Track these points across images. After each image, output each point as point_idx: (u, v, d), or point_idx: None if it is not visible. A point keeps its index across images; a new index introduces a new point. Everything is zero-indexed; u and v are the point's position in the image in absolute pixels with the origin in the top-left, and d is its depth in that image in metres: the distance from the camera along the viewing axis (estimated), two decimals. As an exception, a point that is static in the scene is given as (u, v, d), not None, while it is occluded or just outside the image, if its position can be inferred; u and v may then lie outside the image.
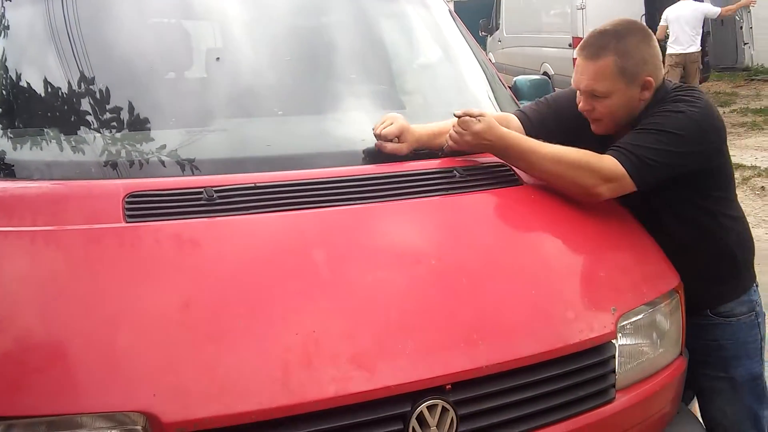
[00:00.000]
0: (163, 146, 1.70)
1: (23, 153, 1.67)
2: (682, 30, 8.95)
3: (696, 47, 9.02)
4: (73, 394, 1.20)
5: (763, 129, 8.86)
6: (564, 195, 1.90)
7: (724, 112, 10.11)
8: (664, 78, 1.90)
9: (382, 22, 2.65)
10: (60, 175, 1.60)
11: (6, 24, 1.88)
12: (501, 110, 2.35)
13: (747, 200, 6.33)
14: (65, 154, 1.68)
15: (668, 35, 9.10)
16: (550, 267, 1.67)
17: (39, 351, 1.25)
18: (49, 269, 1.36)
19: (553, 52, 10.82)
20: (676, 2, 9.19)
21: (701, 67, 9.29)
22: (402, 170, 1.82)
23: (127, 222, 1.45)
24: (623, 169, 1.75)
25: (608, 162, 1.77)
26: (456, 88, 2.56)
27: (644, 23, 8.71)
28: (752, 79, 11.84)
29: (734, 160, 7.12)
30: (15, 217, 1.45)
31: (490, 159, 1.93)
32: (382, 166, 1.83)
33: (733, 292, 1.92)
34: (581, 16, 9.84)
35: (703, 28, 9.50)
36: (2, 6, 1.90)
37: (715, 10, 9.02)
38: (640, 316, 1.66)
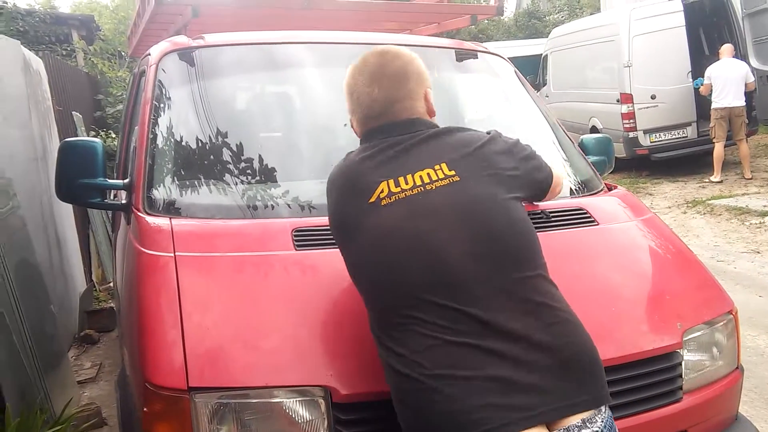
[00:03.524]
0: (313, 193, 2.15)
1: (210, 198, 2.15)
2: (726, 86, 9.31)
3: (740, 102, 9.35)
4: (275, 373, 1.62)
5: (810, 181, 9.02)
6: (634, 232, 2.28)
7: (772, 165, 10.30)
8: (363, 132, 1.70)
9: (459, 85, 3.10)
10: (241, 216, 2.06)
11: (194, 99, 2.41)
12: (571, 163, 2.75)
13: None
14: (244, 200, 2.15)
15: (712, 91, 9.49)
16: (626, 290, 2.04)
17: (247, 342, 1.67)
18: (249, 283, 1.80)
19: (601, 107, 11.21)
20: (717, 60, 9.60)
21: (747, 121, 9.58)
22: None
23: (297, 249, 1.89)
24: None
25: None
26: (543, 146, 2.94)
27: (690, 79, 9.07)
28: (801, 132, 12.01)
29: (781, 212, 7.36)
30: (216, 246, 1.90)
31: (568, 204, 2.32)
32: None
33: None
34: (628, 73, 10.25)
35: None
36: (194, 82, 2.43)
37: (751, 78, 9.45)
38: (700, 332, 2.01)
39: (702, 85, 9.73)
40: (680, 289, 2.11)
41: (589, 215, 2.26)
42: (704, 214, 8.14)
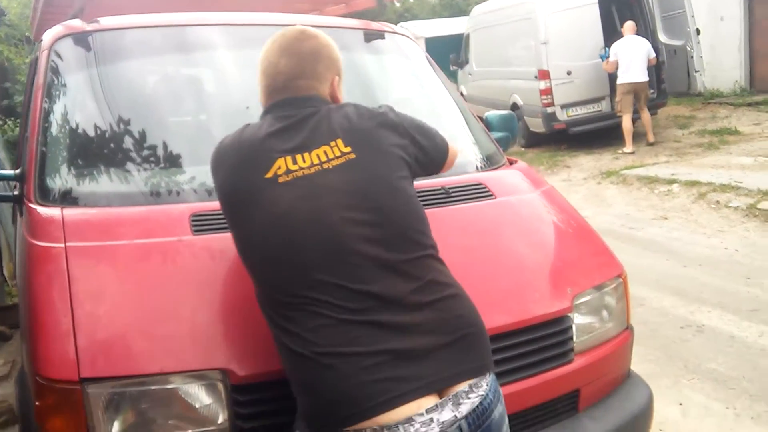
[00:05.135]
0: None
1: (104, 186, 2.10)
2: (632, 62, 9.76)
3: (645, 77, 9.84)
4: (171, 358, 1.62)
5: (718, 148, 9.52)
6: (529, 204, 2.38)
7: (683, 134, 10.81)
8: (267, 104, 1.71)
9: (368, 65, 3.11)
10: (138, 202, 2.02)
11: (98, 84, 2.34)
12: (476, 140, 2.83)
13: (704, 213, 6.90)
14: (140, 186, 2.11)
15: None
16: (520, 260, 2.13)
17: (142, 329, 1.66)
18: (144, 269, 1.78)
19: (521, 84, 11.47)
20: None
21: (649, 94, 10.09)
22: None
23: (194, 234, 1.88)
24: None
25: None
26: (438, 123, 3.01)
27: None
28: (709, 103, 12.64)
29: (691, 177, 7.79)
30: (110, 234, 1.86)
31: (467, 179, 2.39)
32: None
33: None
34: (545, 50, 10.51)
35: (658, 57, 10.28)
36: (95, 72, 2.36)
37: (653, 54, 9.98)
38: (590, 296, 2.12)
39: (607, 58, 10.13)
40: (572, 257, 2.22)
41: (487, 189, 2.34)
42: (617, 184, 8.49)
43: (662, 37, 10.68)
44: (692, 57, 10.24)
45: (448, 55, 15.75)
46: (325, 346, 1.40)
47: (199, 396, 1.63)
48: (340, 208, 1.49)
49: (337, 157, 1.53)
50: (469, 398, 1.43)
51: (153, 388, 1.60)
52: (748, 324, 4.28)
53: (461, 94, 15.51)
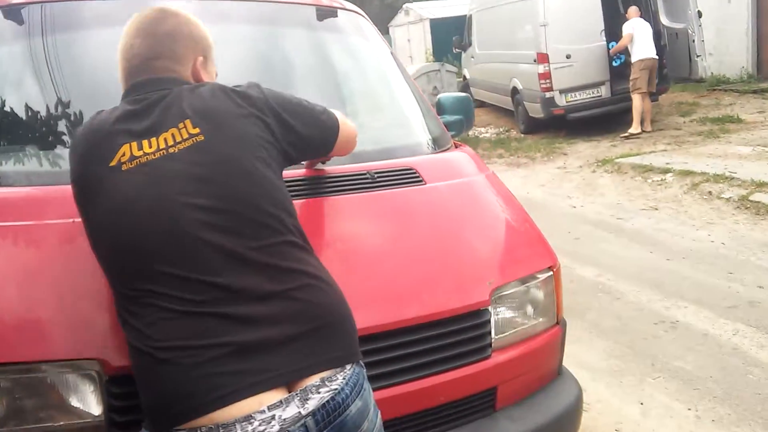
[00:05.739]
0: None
1: (2, 165, 2.02)
2: (649, 39, 9.63)
3: (655, 54, 9.78)
4: (45, 346, 1.54)
5: (718, 137, 9.30)
6: (462, 191, 2.27)
7: (685, 122, 10.61)
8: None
9: (322, 47, 2.99)
10: (23, 183, 1.93)
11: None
12: (426, 123, 2.72)
13: (695, 204, 6.74)
14: (27, 166, 2.03)
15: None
16: (440, 249, 2.02)
17: (16, 316, 1.58)
18: (24, 254, 1.70)
19: (521, 68, 11.28)
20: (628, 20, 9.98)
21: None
22: (326, 174, 2.13)
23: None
24: None
25: None
26: (388, 105, 2.92)
27: (603, 38, 9.38)
28: (714, 89, 12.38)
29: (686, 167, 7.61)
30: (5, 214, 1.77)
31: (397, 164, 2.28)
32: (310, 171, 2.13)
33: None
34: (544, 33, 10.30)
35: (660, 41, 10.07)
36: None
37: None
38: (513, 289, 2.01)
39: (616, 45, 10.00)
40: (498, 247, 2.12)
41: (417, 174, 2.23)
42: (611, 172, 8.32)
43: (664, 20, 10.43)
44: (693, 41, 9.98)
45: (452, 37, 15.53)
46: (162, 341, 1.31)
47: (73, 386, 1.55)
48: (183, 195, 1.39)
49: (185, 140, 1.43)
50: (318, 393, 1.33)
51: (23, 376, 1.52)
52: (724, 321, 4.15)
53: (464, 77, 15.35)
